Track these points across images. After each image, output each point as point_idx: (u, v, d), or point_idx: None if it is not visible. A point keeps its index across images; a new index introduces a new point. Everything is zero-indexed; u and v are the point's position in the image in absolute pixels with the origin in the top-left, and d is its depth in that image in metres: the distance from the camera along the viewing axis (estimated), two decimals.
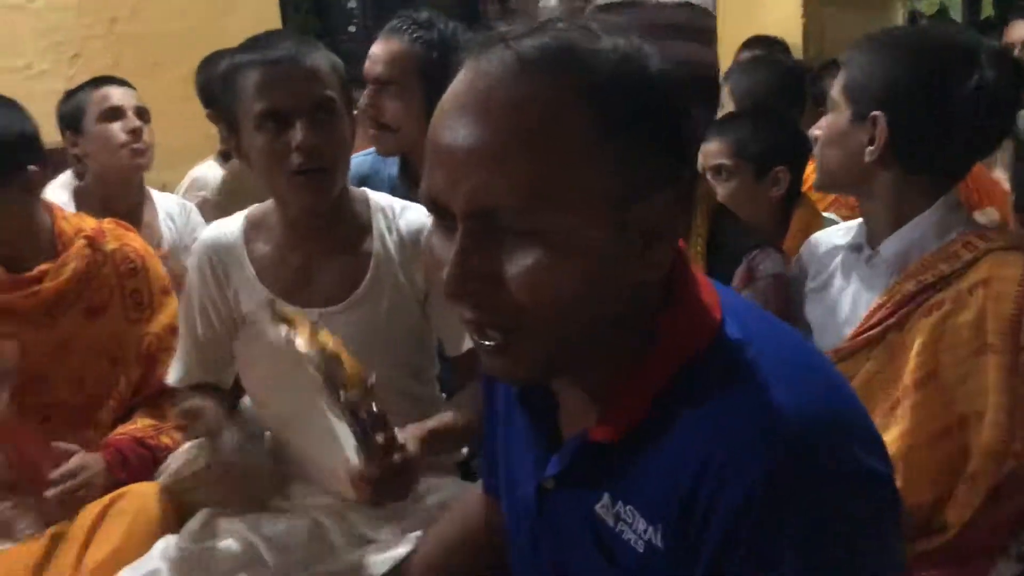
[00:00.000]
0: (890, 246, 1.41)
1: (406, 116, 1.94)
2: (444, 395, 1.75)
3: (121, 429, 1.74)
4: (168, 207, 2.50)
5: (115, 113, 2.32)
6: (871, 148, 1.38)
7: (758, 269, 1.53)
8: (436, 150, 0.74)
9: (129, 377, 1.81)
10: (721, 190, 2.07)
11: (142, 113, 2.38)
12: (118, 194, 2.35)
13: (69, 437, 1.68)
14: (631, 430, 0.79)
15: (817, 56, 3.75)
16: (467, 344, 1.54)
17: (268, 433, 1.71)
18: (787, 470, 0.70)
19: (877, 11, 4.28)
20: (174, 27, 4.17)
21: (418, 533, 1.41)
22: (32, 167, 1.71)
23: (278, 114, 1.40)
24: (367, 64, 1.98)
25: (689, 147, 0.82)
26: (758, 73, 2.65)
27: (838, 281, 1.51)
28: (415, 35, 1.93)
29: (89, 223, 1.83)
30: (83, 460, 1.63)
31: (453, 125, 0.72)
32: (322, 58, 1.44)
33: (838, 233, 1.59)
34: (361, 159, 2.14)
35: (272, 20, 4.37)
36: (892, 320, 1.37)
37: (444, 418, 1.46)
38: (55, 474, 1.58)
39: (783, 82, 2.65)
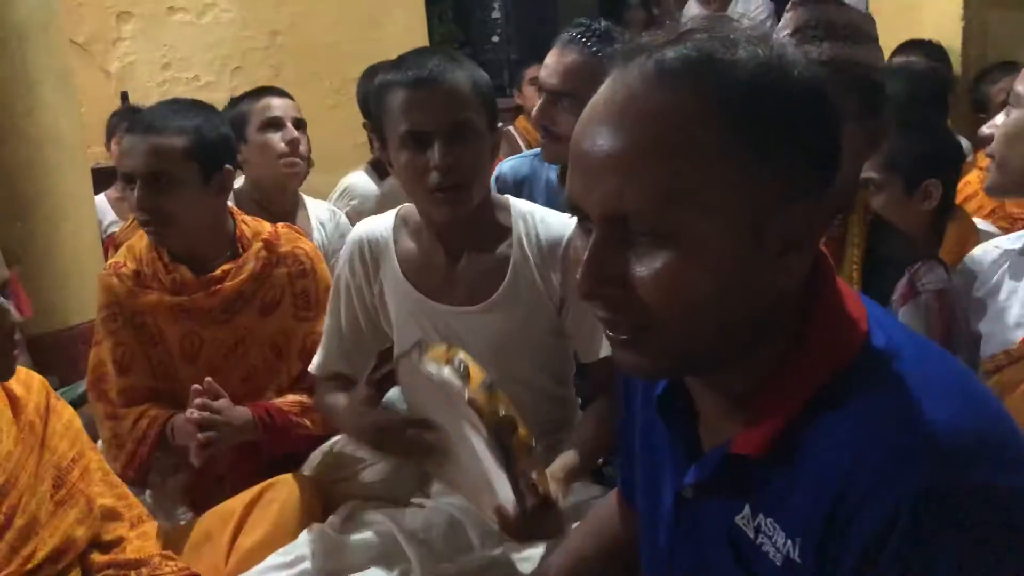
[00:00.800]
0: None
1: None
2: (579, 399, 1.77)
3: (268, 402, 1.83)
4: (319, 213, 2.61)
5: (275, 123, 2.43)
6: None
7: (921, 283, 1.47)
8: (576, 156, 0.77)
9: (291, 371, 1.90)
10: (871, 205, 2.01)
11: (300, 124, 2.49)
12: (274, 199, 2.46)
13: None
14: (774, 443, 0.78)
15: (979, 59, 3.56)
16: (602, 352, 1.55)
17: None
18: (938, 488, 0.68)
19: None
20: (329, 39, 4.37)
21: None
22: (228, 166, 1.84)
23: (419, 134, 1.47)
24: (543, 72, 2.01)
25: (835, 156, 0.78)
26: (897, 81, 2.55)
27: (1007, 285, 1.44)
28: (592, 47, 1.95)
29: (266, 227, 1.94)
30: (230, 404, 1.72)
31: (592, 133, 0.75)
32: (464, 78, 1.48)
33: (1005, 242, 1.51)
34: (520, 161, 2.17)
35: (419, 31, 4.52)
36: None
37: (584, 447, 1.49)
38: (199, 401, 1.66)
39: (926, 88, 2.53)
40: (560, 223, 1.59)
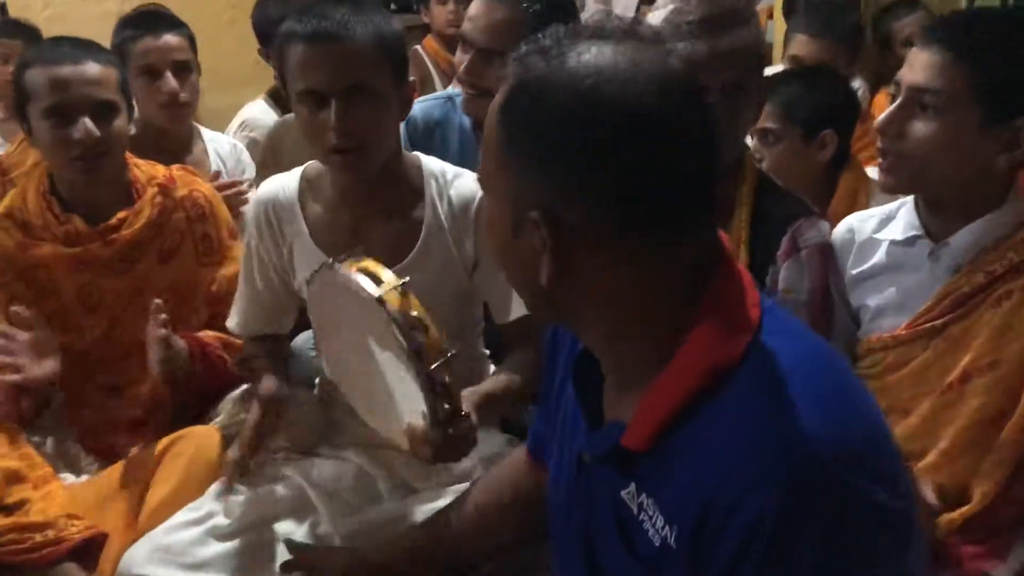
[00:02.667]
0: (961, 239, 1.39)
1: None
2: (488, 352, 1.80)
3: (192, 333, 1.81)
4: (219, 146, 2.53)
5: (153, 71, 2.27)
6: (1004, 156, 1.33)
7: (802, 238, 1.54)
8: None
9: (199, 317, 1.88)
10: (767, 155, 2.06)
11: (182, 67, 2.32)
12: (165, 136, 2.34)
13: (143, 375, 1.75)
14: (658, 435, 0.82)
15: None
16: (515, 313, 1.58)
17: (319, 379, 1.79)
18: (798, 499, 0.73)
19: None
20: None
21: (461, 485, 1.48)
22: (133, 105, 1.78)
23: (315, 93, 1.43)
24: (466, 25, 1.92)
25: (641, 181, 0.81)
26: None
27: (888, 273, 1.50)
28: (522, 2, 1.88)
29: (160, 170, 1.88)
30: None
31: None
32: (368, 33, 1.42)
33: (871, 223, 1.55)
34: (432, 104, 2.09)
35: None
36: (958, 311, 1.38)
37: (499, 382, 1.51)
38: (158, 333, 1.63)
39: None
40: (471, 186, 1.58)
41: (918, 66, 1.34)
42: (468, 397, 1.37)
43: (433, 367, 1.18)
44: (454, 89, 2.15)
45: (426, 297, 1.56)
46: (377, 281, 1.23)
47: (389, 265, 1.54)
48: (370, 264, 1.26)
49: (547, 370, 1.11)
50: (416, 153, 1.63)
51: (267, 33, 2.59)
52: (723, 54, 1.40)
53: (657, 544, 0.81)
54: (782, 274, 1.52)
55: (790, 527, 0.73)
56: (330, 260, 1.29)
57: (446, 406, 1.20)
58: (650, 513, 0.83)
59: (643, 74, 0.78)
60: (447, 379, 1.20)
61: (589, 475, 0.93)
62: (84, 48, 1.71)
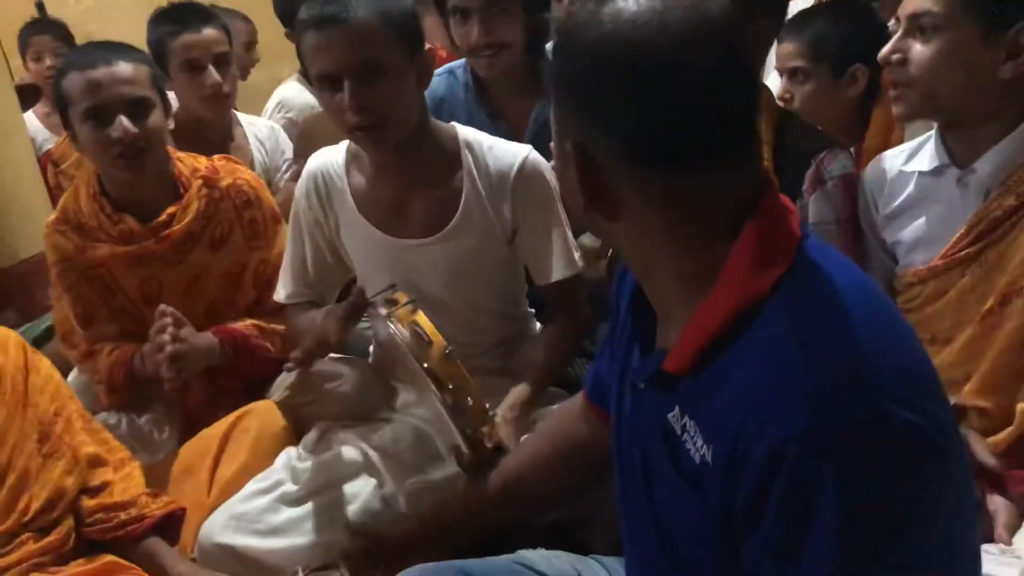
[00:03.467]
0: (987, 163, 1.39)
1: (519, 31, 1.94)
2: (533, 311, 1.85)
3: (229, 326, 1.89)
4: (258, 131, 2.59)
5: (195, 65, 2.33)
6: (1008, 65, 1.33)
7: (826, 171, 1.55)
8: None
9: (247, 298, 1.95)
10: (797, 94, 2.05)
11: (222, 59, 2.37)
12: (206, 126, 2.39)
13: None
14: (699, 358, 0.86)
15: None
16: (555, 275, 1.62)
17: (372, 347, 1.86)
18: (822, 424, 0.75)
19: None
20: None
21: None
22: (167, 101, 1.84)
23: (329, 76, 1.47)
24: None
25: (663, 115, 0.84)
26: None
27: (919, 206, 1.50)
28: None
29: (202, 162, 1.94)
30: (193, 331, 1.77)
31: None
32: (373, 12, 1.45)
33: (900, 158, 1.56)
34: (436, 81, 2.11)
35: None
36: (992, 235, 1.39)
37: (534, 374, 1.60)
38: (170, 332, 1.71)
39: None
40: (508, 152, 1.62)
41: None
42: (506, 417, 1.46)
43: (474, 426, 1.25)
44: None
45: (470, 262, 1.62)
46: (425, 341, 1.29)
47: (432, 233, 1.61)
48: (414, 314, 1.31)
49: (613, 312, 1.14)
50: (453, 123, 1.67)
51: (288, 14, 2.63)
52: None
53: (697, 461, 0.85)
54: (810, 207, 1.54)
55: (813, 451, 0.75)
56: (383, 310, 1.35)
57: (487, 447, 1.30)
58: (691, 433, 0.87)
59: (676, 18, 0.81)
60: (486, 430, 1.29)
61: (642, 402, 0.98)
62: (115, 50, 1.77)
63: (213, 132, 2.43)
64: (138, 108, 1.73)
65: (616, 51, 0.82)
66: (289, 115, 2.81)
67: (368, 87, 1.46)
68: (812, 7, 2.38)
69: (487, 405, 1.31)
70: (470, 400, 1.27)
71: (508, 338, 1.74)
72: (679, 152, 0.83)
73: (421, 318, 1.31)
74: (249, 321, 1.92)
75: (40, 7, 3.93)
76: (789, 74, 2.07)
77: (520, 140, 1.73)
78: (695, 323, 0.87)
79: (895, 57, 1.41)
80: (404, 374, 1.41)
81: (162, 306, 1.74)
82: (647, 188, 0.85)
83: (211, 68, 2.33)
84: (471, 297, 1.65)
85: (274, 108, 2.89)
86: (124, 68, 1.73)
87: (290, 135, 2.66)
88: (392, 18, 1.48)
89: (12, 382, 1.49)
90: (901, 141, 1.79)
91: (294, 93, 2.90)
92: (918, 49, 1.38)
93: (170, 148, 1.91)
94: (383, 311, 1.34)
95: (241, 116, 2.60)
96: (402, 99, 1.51)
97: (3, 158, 2.71)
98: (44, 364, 1.58)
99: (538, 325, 1.83)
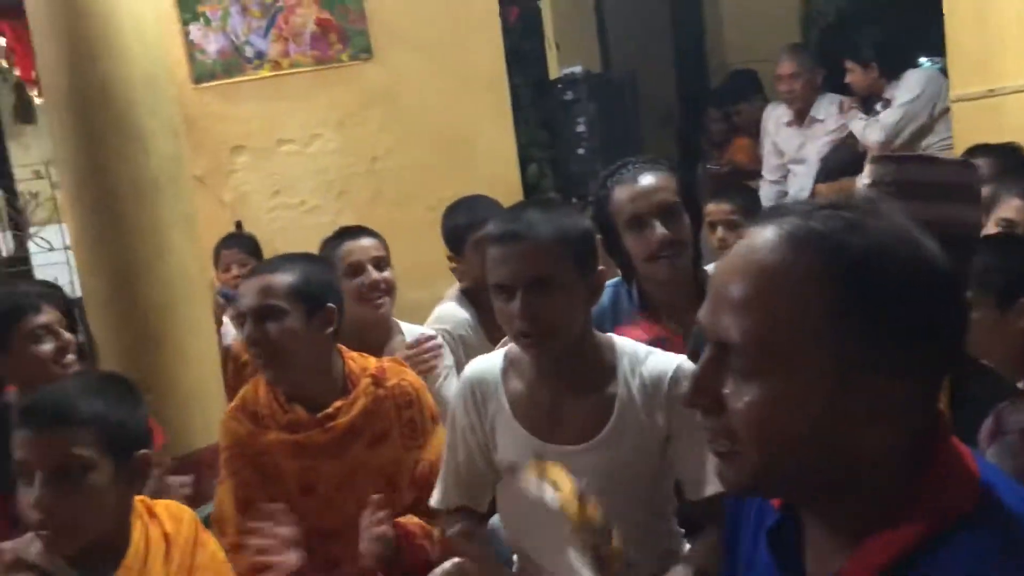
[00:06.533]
0: None
1: (690, 233, 2.06)
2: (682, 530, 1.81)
3: (400, 519, 1.94)
4: (416, 337, 2.76)
5: (356, 269, 2.56)
6: None
7: (1007, 422, 1.49)
8: (710, 285, 0.91)
9: (404, 499, 2.01)
10: None
11: (380, 262, 2.61)
12: (369, 332, 2.58)
13: (353, 552, 1.88)
14: None
15: None
16: (708, 490, 1.61)
17: (516, 556, 1.85)
18: None
19: None
20: (424, 161, 4.60)
21: None
22: (330, 305, 2.00)
23: (504, 286, 1.60)
24: (641, 203, 2.02)
25: (952, 339, 0.85)
26: None
27: None
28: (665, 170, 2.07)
29: (372, 362, 2.08)
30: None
31: (723, 269, 0.90)
32: (552, 231, 1.58)
33: None
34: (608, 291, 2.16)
35: (508, 149, 4.72)
36: None
37: (695, 560, 1.56)
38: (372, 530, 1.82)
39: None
40: (664, 361, 1.67)
41: None
42: None
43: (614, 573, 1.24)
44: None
45: (622, 470, 1.63)
46: (555, 485, 1.32)
47: (586, 439, 1.64)
48: (543, 467, 1.34)
49: (728, 548, 1.12)
50: (610, 334, 1.74)
51: (455, 239, 2.84)
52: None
53: None
54: (987, 458, 1.47)
55: None
56: (504, 471, 1.39)
57: None
58: None
59: (924, 236, 0.86)
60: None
61: None
62: (283, 261, 2.01)
63: (374, 337, 2.60)
64: (267, 315, 1.91)
65: (927, 266, 0.84)
66: (445, 327, 2.97)
67: (538, 299, 1.57)
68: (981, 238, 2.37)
69: (624, 551, 1.27)
70: (609, 545, 1.24)
71: (658, 555, 1.70)
72: (939, 364, 0.86)
73: (550, 465, 1.32)
74: (415, 520, 1.96)
75: (239, 225, 4.39)
76: None
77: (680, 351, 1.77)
78: (880, 541, 0.84)
79: None
80: (537, 540, 1.40)
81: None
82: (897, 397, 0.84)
83: (369, 268, 2.55)
84: (623, 508, 1.63)
85: (432, 320, 3.06)
86: (268, 279, 1.94)
87: (449, 346, 2.79)
88: (569, 239, 1.60)
89: (181, 554, 1.58)
90: None
91: (452, 309, 3.07)
92: None
93: (342, 347, 2.06)
94: (510, 474, 1.36)
95: (403, 325, 2.77)
96: (568, 313, 1.61)
97: (191, 358, 2.97)
98: (212, 542, 1.66)
99: (686, 545, 1.79)
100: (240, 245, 3.83)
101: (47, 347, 2.19)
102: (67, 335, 2.24)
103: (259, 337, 1.92)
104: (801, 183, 4.38)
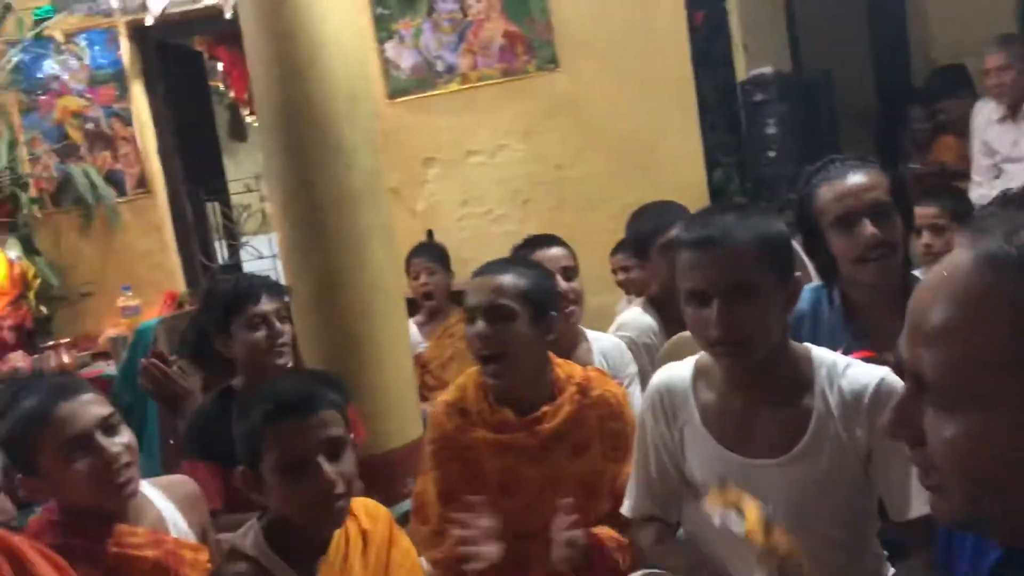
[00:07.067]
0: None
1: (901, 236, 1.96)
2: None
3: (590, 530, 1.94)
4: (603, 346, 2.76)
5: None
6: None
7: None
8: (908, 312, 0.86)
9: (600, 509, 2.01)
10: None
11: (569, 271, 2.63)
12: (558, 342, 2.61)
13: (545, 555, 1.90)
14: None
15: None
16: (913, 511, 1.52)
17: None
18: None
19: None
20: (608, 168, 4.62)
21: None
22: (552, 313, 2.05)
23: (699, 293, 1.55)
24: (850, 200, 1.94)
25: None
26: None
27: None
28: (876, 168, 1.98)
29: (578, 370, 2.10)
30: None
31: (917, 297, 0.84)
32: (750, 237, 1.52)
33: None
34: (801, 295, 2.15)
35: (694, 154, 4.65)
36: None
37: None
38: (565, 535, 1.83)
39: None
40: (865, 373, 1.58)
41: None
42: None
43: None
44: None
45: (819, 486, 1.56)
46: (740, 513, 1.28)
47: (779, 453, 1.59)
48: (728, 493, 1.31)
49: None
50: (806, 344, 1.67)
51: (640, 244, 2.81)
52: None
53: None
54: None
55: None
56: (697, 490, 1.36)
57: None
58: None
59: None
60: None
61: None
62: (497, 265, 2.06)
63: (561, 343, 2.61)
64: (498, 315, 1.95)
65: None
66: (628, 334, 2.95)
67: (736, 306, 1.52)
68: None
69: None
70: (804, 569, 1.20)
71: None
72: None
73: (735, 492, 1.28)
74: (610, 531, 1.96)
75: (429, 234, 4.56)
76: None
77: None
78: None
79: None
80: (726, 555, 1.37)
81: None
82: None
83: (559, 278, 2.54)
84: (820, 527, 1.57)
85: (615, 328, 3.05)
86: (500, 279, 1.98)
87: (633, 354, 2.78)
88: (767, 243, 1.54)
89: (377, 552, 1.65)
90: None
91: (636, 316, 3.05)
92: None
93: (551, 354, 2.10)
94: (707, 498, 1.33)
95: (588, 332, 2.78)
96: (766, 321, 1.55)
97: (389, 362, 3.11)
98: (404, 541, 1.72)
99: (891, 570, 1.69)
100: (429, 254, 3.97)
101: (259, 335, 2.33)
102: (280, 325, 2.37)
103: (488, 335, 1.95)
104: (1017, 182, 4.06)
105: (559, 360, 2.10)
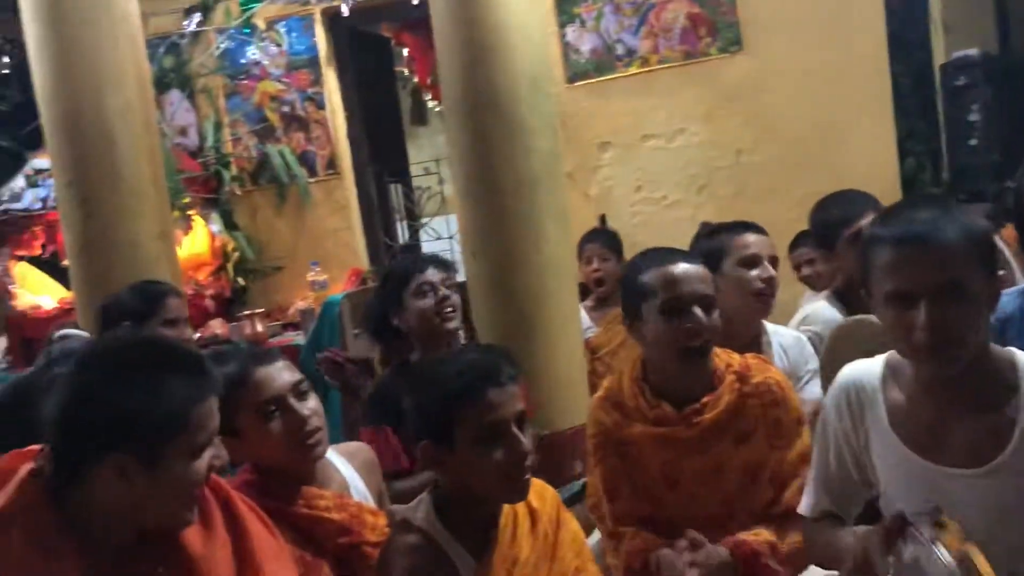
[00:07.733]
0: None
1: None
2: None
3: (743, 535, 1.91)
4: (783, 339, 2.66)
5: (753, 261, 2.49)
6: None
7: None
8: None
9: (762, 497, 1.98)
10: None
11: (774, 261, 2.53)
12: (739, 329, 2.54)
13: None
14: None
15: None
16: None
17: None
18: None
19: None
20: (793, 154, 4.46)
21: None
22: None
23: (905, 294, 1.46)
24: None
25: None
26: None
27: None
28: None
29: (735, 359, 2.06)
30: (711, 551, 1.87)
31: None
32: (958, 234, 1.43)
33: None
34: (1005, 299, 1.95)
35: (886, 145, 4.41)
36: None
37: None
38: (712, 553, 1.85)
39: None
40: None
41: None
42: None
43: None
44: None
45: (1020, 501, 1.46)
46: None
47: (977, 463, 1.49)
48: (974, 552, 1.24)
49: None
50: (1010, 348, 1.56)
51: (826, 234, 2.69)
52: None
53: None
54: None
55: None
56: (925, 531, 1.29)
57: None
58: None
59: None
60: None
61: None
62: (681, 253, 2.03)
63: (742, 337, 2.54)
64: (708, 304, 1.94)
65: None
66: (815, 328, 2.83)
67: (945, 307, 1.43)
68: None
69: None
70: None
71: None
72: None
73: (975, 552, 1.21)
74: (765, 536, 1.92)
75: (602, 219, 4.56)
76: None
77: None
78: None
79: None
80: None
81: (689, 534, 1.87)
82: None
83: (766, 264, 2.47)
84: (1019, 542, 1.47)
85: (799, 321, 2.94)
86: (696, 268, 1.97)
87: (815, 348, 2.68)
88: (976, 240, 1.45)
89: (545, 531, 1.66)
90: None
91: (822, 309, 2.93)
92: None
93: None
94: (926, 533, 1.26)
95: (768, 325, 2.69)
96: (976, 322, 1.46)
97: (561, 344, 3.15)
98: (572, 523, 1.73)
99: None
100: (602, 239, 3.96)
101: (428, 302, 2.42)
102: (446, 291, 2.45)
103: (704, 325, 1.93)
104: None
105: (717, 349, 2.05)
